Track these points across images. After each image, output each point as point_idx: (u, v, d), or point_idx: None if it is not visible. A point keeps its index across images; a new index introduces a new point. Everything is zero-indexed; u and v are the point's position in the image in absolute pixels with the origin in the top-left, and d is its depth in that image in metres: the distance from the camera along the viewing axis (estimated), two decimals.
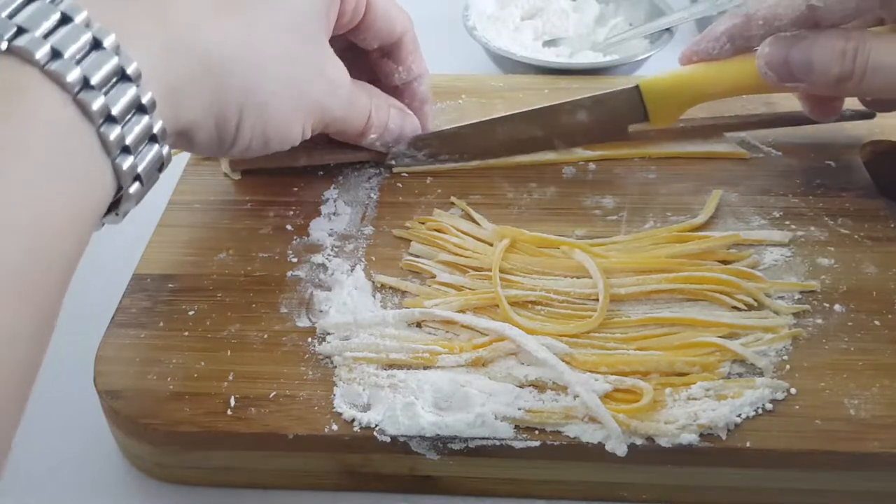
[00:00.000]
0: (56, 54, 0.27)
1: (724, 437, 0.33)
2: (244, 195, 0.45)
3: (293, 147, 0.46)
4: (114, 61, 0.28)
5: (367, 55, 0.44)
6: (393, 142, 0.45)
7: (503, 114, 0.47)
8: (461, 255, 0.41)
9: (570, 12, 0.67)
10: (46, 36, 0.27)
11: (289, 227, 0.43)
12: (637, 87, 0.46)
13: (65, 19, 0.28)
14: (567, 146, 0.47)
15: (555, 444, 0.33)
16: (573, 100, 0.46)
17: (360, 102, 0.42)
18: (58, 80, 0.27)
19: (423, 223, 0.43)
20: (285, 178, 0.46)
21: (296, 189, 0.46)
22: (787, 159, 0.47)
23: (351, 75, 0.41)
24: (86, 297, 0.36)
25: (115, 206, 0.31)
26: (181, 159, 0.47)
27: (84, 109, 0.27)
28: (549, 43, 0.66)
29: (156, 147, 0.31)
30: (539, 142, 0.47)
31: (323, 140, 0.45)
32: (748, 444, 0.32)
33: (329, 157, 0.46)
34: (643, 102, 0.46)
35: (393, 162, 0.47)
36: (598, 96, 0.46)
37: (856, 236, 0.42)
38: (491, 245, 0.42)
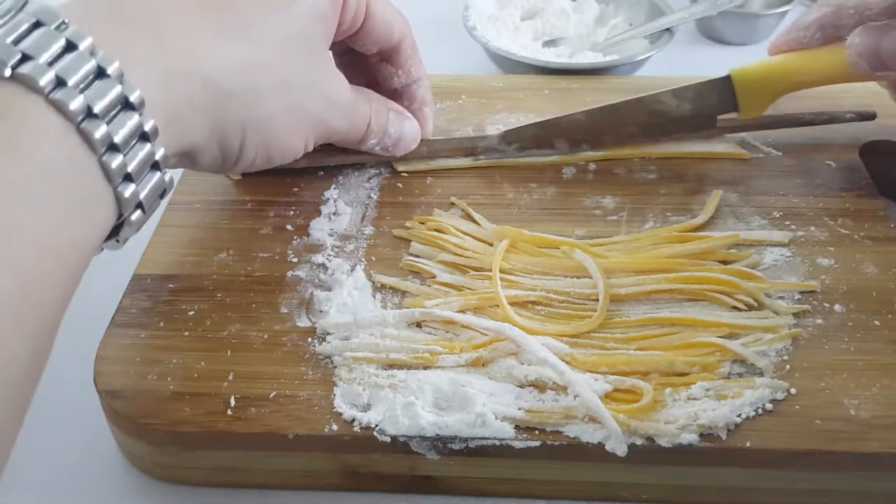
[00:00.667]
0: (60, 82, 0.27)
1: (724, 437, 0.33)
2: (244, 195, 0.45)
3: None
4: (117, 90, 0.28)
5: (366, 59, 0.44)
6: (393, 145, 0.45)
7: (593, 106, 0.47)
8: (461, 255, 0.41)
9: (570, 12, 0.67)
10: (51, 63, 0.27)
11: (289, 227, 0.43)
12: (728, 76, 0.46)
13: (69, 46, 0.27)
14: (653, 138, 0.48)
15: (555, 444, 0.33)
16: (666, 90, 0.46)
17: (360, 112, 0.42)
18: (61, 108, 0.26)
19: (423, 223, 0.43)
20: (285, 178, 0.46)
21: (296, 189, 0.46)
22: (787, 159, 0.47)
23: (350, 79, 0.41)
24: (86, 297, 0.36)
25: (116, 231, 0.31)
26: None
27: (87, 138, 0.27)
28: (549, 43, 0.66)
29: (158, 174, 0.31)
30: (625, 134, 0.47)
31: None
32: (748, 444, 0.32)
33: (329, 159, 0.46)
34: (734, 92, 0.45)
35: (482, 156, 0.47)
36: (691, 86, 0.46)
37: (856, 236, 0.42)
38: (491, 245, 0.42)
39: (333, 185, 0.46)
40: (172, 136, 0.31)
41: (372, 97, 0.43)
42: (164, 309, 0.38)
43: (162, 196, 0.32)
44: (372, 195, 0.45)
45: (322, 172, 0.47)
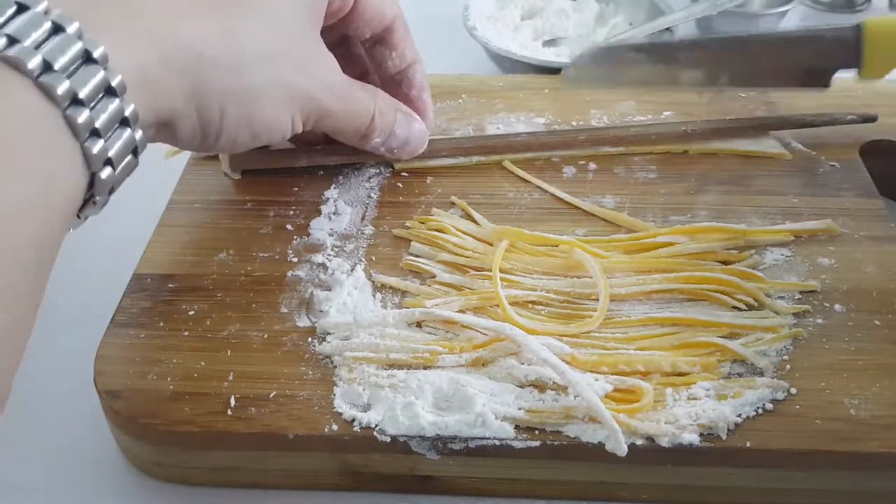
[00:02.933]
0: (13, 41, 0.27)
1: (724, 437, 0.33)
2: (244, 195, 0.45)
3: (293, 148, 0.46)
4: (77, 46, 0.28)
5: (358, 49, 0.44)
6: (399, 147, 0.44)
7: (700, 37, 0.46)
8: (461, 255, 0.41)
9: (570, 12, 0.68)
10: (2, 25, 0.27)
11: (289, 226, 0.43)
12: (859, 25, 0.42)
13: (21, 8, 0.28)
14: (759, 85, 0.45)
15: (555, 444, 0.33)
16: (781, 33, 0.44)
17: (358, 100, 0.41)
18: (17, 65, 0.26)
19: (423, 223, 0.43)
20: (285, 178, 0.46)
21: (296, 189, 0.46)
22: (787, 159, 0.47)
23: (345, 71, 0.41)
24: (86, 297, 0.36)
25: (92, 196, 0.30)
26: (181, 159, 0.47)
27: (48, 93, 0.27)
28: (549, 43, 0.66)
29: (128, 131, 0.30)
30: (729, 77, 0.45)
31: (324, 141, 0.45)
32: (748, 444, 0.32)
33: (330, 158, 0.46)
34: (859, 45, 0.42)
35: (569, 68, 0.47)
36: (812, 32, 0.43)
37: (856, 236, 0.42)
38: (491, 245, 0.42)
39: (333, 185, 0.46)
40: (146, 96, 0.31)
41: (378, 94, 0.43)
42: (164, 309, 0.38)
43: (134, 154, 0.31)
44: (372, 195, 0.45)
45: (322, 172, 0.47)
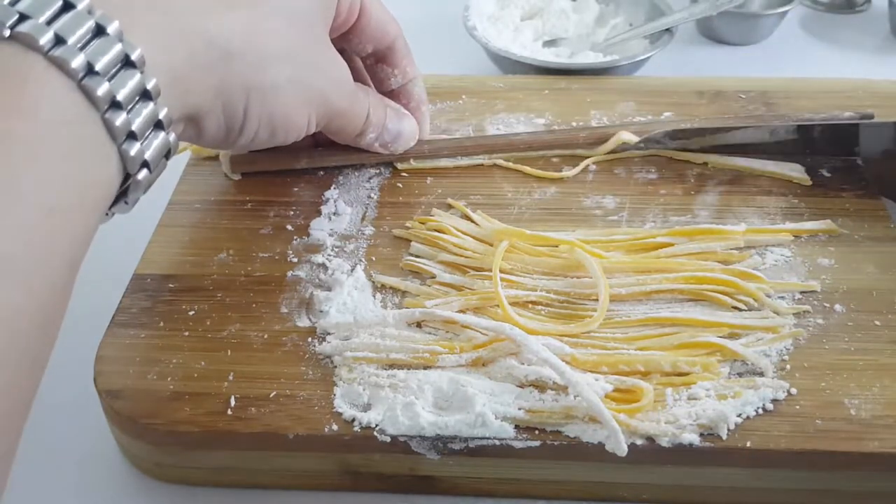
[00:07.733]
0: (59, 41, 0.27)
1: (724, 437, 0.33)
2: (244, 195, 0.45)
3: (295, 148, 0.46)
4: (118, 48, 0.28)
5: (357, 64, 0.44)
6: (392, 141, 0.45)
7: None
8: (461, 256, 0.41)
9: (570, 13, 0.67)
10: (49, 22, 0.27)
11: (289, 227, 0.43)
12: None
13: (67, 6, 0.28)
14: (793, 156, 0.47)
15: (555, 444, 0.33)
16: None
17: (359, 99, 0.42)
18: (62, 66, 0.27)
19: (423, 223, 0.43)
20: (285, 178, 0.46)
21: (296, 189, 0.46)
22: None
23: None
24: (86, 297, 0.36)
25: (124, 194, 0.31)
26: (181, 159, 0.47)
27: (89, 96, 0.27)
28: (549, 43, 0.66)
29: (162, 134, 0.31)
30: (771, 150, 0.47)
31: (324, 142, 0.45)
32: (748, 444, 0.32)
33: (330, 159, 0.46)
34: None
35: (642, 145, 0.47)
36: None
37: (856, 236, 0.42)
38: (491, 245, 0.42)
39: (333, 185, 0.46)
40: (176, 96, 0.31)
41: (369, 91, 0.44)
42: (164, 309, 0.38)
43: (168, 156, 0.32)
44: (372, 195, 0.45)
45: (322, 172, 0.47)
